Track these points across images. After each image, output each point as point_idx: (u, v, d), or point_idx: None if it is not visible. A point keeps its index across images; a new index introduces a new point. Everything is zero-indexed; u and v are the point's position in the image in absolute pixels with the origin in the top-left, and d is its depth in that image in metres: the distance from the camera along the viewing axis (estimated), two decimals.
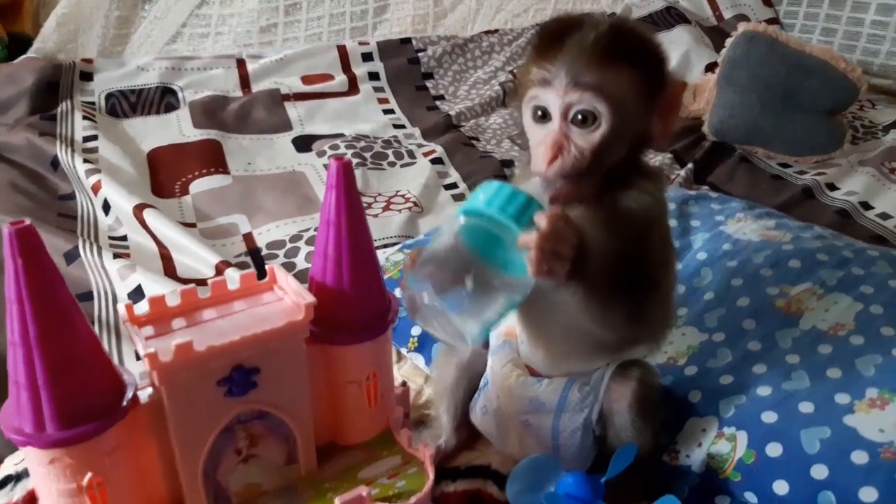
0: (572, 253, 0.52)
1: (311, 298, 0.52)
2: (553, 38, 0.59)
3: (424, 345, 0.84)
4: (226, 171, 1.30)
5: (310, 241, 1.10)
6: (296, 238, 1.11)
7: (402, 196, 1.23)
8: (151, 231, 1.10)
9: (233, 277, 0.57)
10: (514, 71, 1.65)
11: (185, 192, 1.25)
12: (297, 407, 0.54)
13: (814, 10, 1.82)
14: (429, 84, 1.68)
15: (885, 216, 1.21)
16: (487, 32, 1.78)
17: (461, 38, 1.75)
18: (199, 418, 0.50)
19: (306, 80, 1.63)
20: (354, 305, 0.55)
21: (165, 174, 1.29)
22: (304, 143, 1.42)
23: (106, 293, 0.97)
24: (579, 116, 0.58)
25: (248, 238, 1.13)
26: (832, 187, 1.30)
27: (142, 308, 0.52)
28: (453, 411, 0.73)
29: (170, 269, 1.03)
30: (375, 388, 0.58)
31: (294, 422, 0.54)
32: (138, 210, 1.12)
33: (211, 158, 1.33)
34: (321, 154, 1.38)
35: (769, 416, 0.67)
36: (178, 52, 1.66)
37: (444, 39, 1.74)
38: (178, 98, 1.53)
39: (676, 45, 1.69)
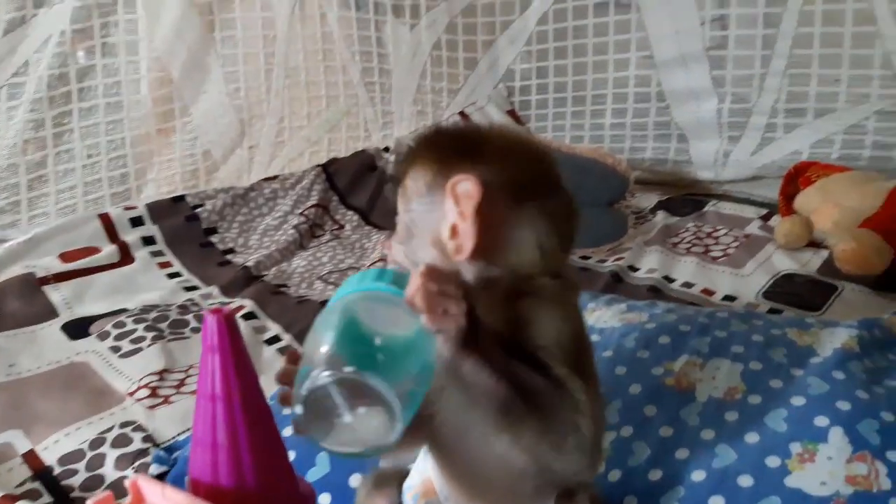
0: (459, 292, 0.46)
1: None
2: None
3: None
4: None
5: (118, 443, 0.88)
6: (97, 443, 0.89)
7: None
8: None
9: None
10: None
11: None
12: None
13: (560, 122, 2.01)
14: (214, 239, 1.54)
15: (688, 285, 1.30)
16: (267, 179, 1.71)
17: (241, 188, 1.65)
18: None
19: (66, 257, 1.40)
20: (264, 502, 0.40)
21: None
22: (78, 329, 1.19)
23: None
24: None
25: (31, 457, 0.88)
26: (633, 269, 1.38)
27: None
28: None
29: None
30: None
31: None
32: None
33: None
34: (104, 336, 1.16)
35: (717, 501, 0.63)
36: None
37: (223, 192, 1.62)
38: None
39: None
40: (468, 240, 0.52)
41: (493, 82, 2.05)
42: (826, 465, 0.63)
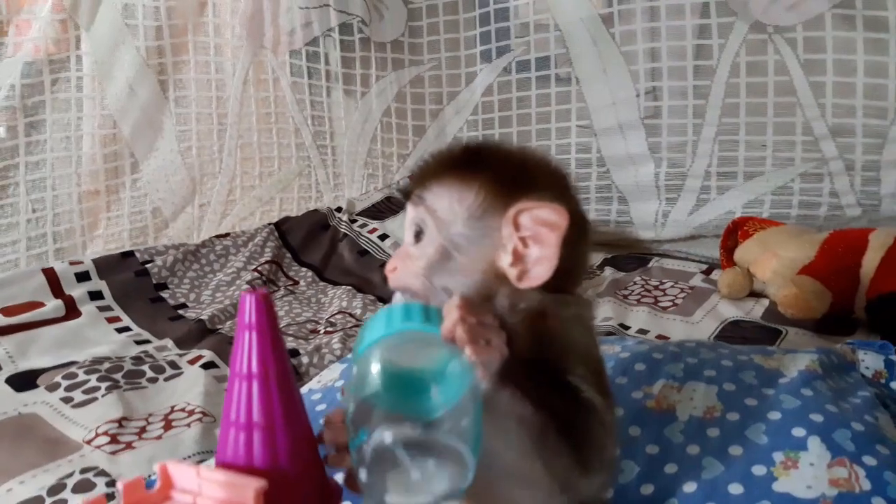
0: (496, 322, 0.46)
1: (256, 483, 0.36)
2: None
3: None
4: None
5: (80, 488, 0.83)
6: (57, 489, 0.83)
7: (183, 410, 1.02)
8: None
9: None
10: None
11: None
12: None
13: None
14: (164, 294, 1.50)
15: (643, 332, 1.35)
16: (219, 236, 1.69)
17: (192, 245, 1.62)
18: None
19: (7, 311, 1.33)
20: (298, 490, 0.39)
21: None
22: (24, 381, 1.13)
23: None
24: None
25: None
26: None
27: None
28: None
29: None
30: None
31: None
32: None
33: None
34: (53, 388, 1.10)
35: None
36: None
37: (173, 248, 1.59)
38: None
39: None
40: (546, 268, 0.51)
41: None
42: (809, 470, 0.66)
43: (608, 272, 1.68)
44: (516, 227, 0.52)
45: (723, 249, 1.58)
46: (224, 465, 0.39)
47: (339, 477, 0.44)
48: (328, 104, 2.07)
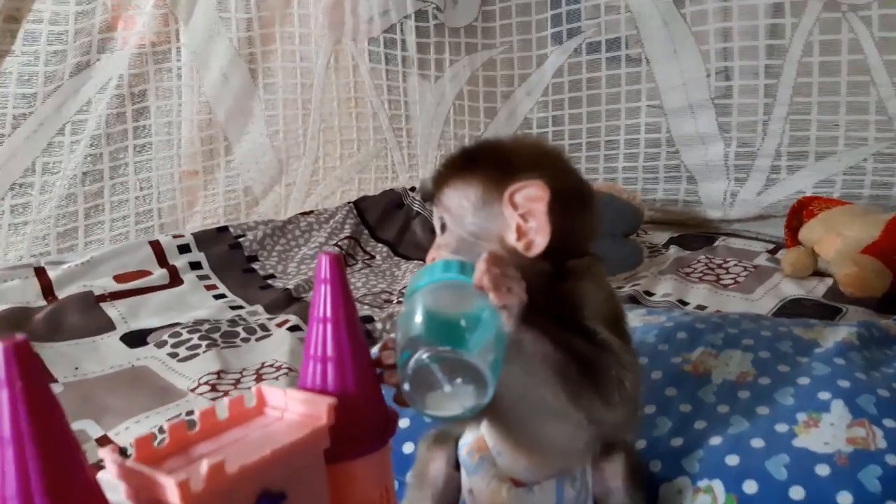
0: (518, 273, 0.54)
1: (329, 400, 0.46)
2: None
3: None
4: (52, 380, 1.12)
5: None
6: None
7: (272, 366, 1.15)
8: None
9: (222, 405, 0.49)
10: None
11: None
12: None
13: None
14: (255, 266, 1.65)
15: (701, 308, 1.39)
16: (303, 214, 1.83)
17: (279, 221, 1.77)
18: None
19: (120, 278, 1.51)
20: (362, 411, 0.50)
21: None
22: (136, 339, 1.29)
23: None
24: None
25: (105, 441, 0.97)
26: (649, 293, 1.48)
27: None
28: None
29: None
30: None
31: None
32: None
33: None
34: (161, 345, 1.25)
35: (732, 460, 0.71)
36: None
37: (263, 224, 1.74)
38: None
39: None
40: (542, 236, 0.59)
41: (511, 130, 2.19)
42: (829, 429, 0.71)
43: (672, 251, 1.72)
44: (514, 206, 0.61)
45: (787, 229, 1.59)
46: (304, 389, 0.50)
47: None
48: (404, 89, 2.17)
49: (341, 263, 0.50)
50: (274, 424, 0.48)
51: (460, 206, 0.63)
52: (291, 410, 0.48)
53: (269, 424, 0.48)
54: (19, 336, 0.35)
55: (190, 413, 1.01)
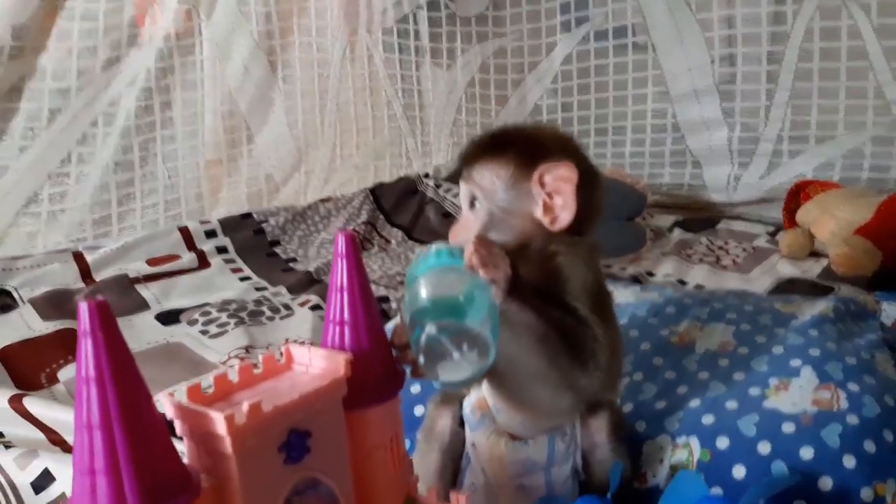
0: (503, 252, 0.62)
1: (346, 354, 0.55)
2: None
3: None
4: None
5: None
6: None
7: (295, 342, 1.24)
8: (36, 419, 0.99)
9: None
10: None
11: (53, 380, 1.15)
12: (342, 475, 0.54)
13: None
14: (277, 250, 1.74)
15: (699, 287, 1.46)
16: (322, 200, 1.92)
17: (299, 208, 1.86)
18: (265, 490, 0.49)
19: (152, 262, 1.61)
20: (374, 365, 0.58)
21: (25, 368, 1.18)
22: (169, 317, 1.39)
23: (4, 491, 0.86)
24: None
25: None
26: (651, 274, 1.55)
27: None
28: (444, 496, 0.75)
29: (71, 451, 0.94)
30: (398, 450, 0.60)
31: (341, 491, 0.54)
32: (16, 401, 1.01)
33: (72, 345, 1.24)
34: (193, 323, 1.35)
35: (708, 419, 0.79)
36: (6, 253, 1.57)
37: (284, 210, 1.84)
38: (14, 298, 1.43)
39: None
40: (568, 212, 0.68)
41: (522, 117, 2.25)
42: (797, 392, 0.79)
43: (676, 233, 1.79)
44: (542, 185, 0.69)
45: (786, 211, 1.66)
46: (325, 348, 0.59)
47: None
48: (417, 77, 2.25)
49: (356, 241, 0.59)
50: (300, 376, 0.57)
51: (492, 183, 0.71)
52: (315, 365, 0.57)
53: (296, 376, 0.57)
54: (100, 297, 0.43)
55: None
